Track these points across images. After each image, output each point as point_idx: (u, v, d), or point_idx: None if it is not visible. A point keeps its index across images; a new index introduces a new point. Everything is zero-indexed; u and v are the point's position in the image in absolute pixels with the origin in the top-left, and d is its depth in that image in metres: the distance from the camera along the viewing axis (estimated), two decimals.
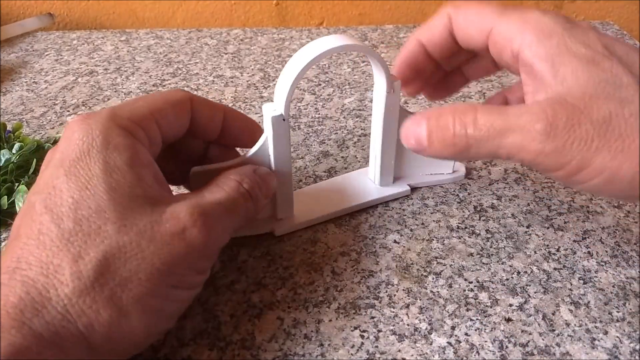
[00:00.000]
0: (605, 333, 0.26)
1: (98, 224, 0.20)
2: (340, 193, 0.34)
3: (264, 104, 0.28)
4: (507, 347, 0.25)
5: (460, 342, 0.25)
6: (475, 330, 0.26)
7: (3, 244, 0.31)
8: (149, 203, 0.21)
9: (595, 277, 0.29)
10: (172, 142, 0.27)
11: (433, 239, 0.31)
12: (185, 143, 0.28)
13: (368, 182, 0.35)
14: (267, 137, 0.28)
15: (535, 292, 0.28)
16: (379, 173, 0.34)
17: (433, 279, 0.29)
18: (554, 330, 0.26)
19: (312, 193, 0.35)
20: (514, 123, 0.21)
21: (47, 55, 0.56)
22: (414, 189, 0.35)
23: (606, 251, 0.30)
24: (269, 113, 0.27)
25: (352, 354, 0.25)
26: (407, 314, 0.27)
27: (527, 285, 0.28)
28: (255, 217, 0.27)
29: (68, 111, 0.45)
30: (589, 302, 0.27)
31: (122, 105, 0.24)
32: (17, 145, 0.36)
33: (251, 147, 0.28)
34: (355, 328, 0.26)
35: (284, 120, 0.27)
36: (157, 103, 0.25)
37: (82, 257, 0.20)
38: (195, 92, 0.47)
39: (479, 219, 0.33)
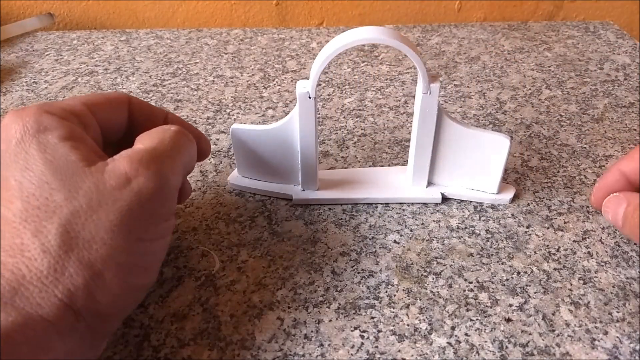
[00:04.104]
0: (605, 333, 0.26)
1: (45, 196, 0.21)
2: (369, 183, 0.35)
3: (299, 80, 0.30)
4: (507, 347, 0.25)
5: (460, 342, 0.25)
6: (475, 330, 0.26)
7: None
8: (86, 166, 0.22)
9: (595, 277, 0.29)
10: (113, 142, 0.27)
11: (433, 239, 0.31)
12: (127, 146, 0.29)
13: (401, 180, 0.35)
14: (295, 111, 0.30)
15: (535, 292, 0.28)
16: (412, 174, 0.34)
17: (433, 279, 0.29)
18: (554, 331, 0.26)
19: (342, 175, 0.36)
20: None
21: (47, 55, 0.56)
22: (446, 198, 0.34)
23: (606, 251, 0.30)
24: (299, 89, 0.29)
25: (352, 354, 0.25)
26: (407, 314, 0.27)
27: (527, 285, 0.28)
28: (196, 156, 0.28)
29: None
30: (589, 302, 0.27)
31: (56, 101, 0.25)
32: None
33: (201, 160, 0.31)
34: (355, 328, 0.26)
35: (309, 97, 0.29)
36: (92, 97, 0.26)
37: (41, 230, 0.20)
38: (195, 92, 0.47)
39: (479, 219, 0.33)
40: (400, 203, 0.34)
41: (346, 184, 0.35)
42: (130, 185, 0.22)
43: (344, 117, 0.44)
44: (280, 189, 0.34)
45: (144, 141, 0.24)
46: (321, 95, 0.47)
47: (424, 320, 0.27)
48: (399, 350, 0.25)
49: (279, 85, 0.49)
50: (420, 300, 0.28)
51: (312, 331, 0.26)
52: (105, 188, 0.21)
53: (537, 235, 0.32)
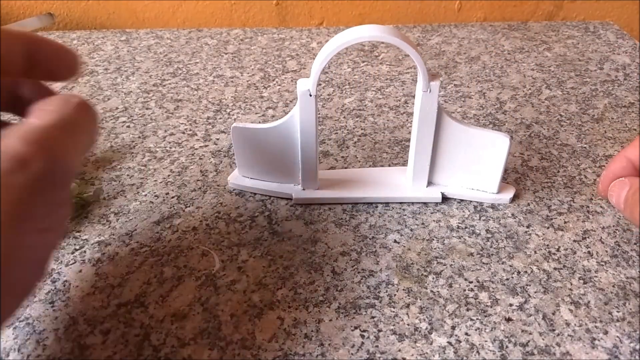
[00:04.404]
0: (606, 333, 0.26)
1: None
2: (369, 183, 0.35)
3: (300, 78, 0.30)
4: (507, 346, 0.25)
5: (460, 341, 0.25)
6: (476, 330, 0.26)
7: None
8: None
9: (595, 277, 0.29)
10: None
11: (433, 239, 0.31)
12: None
13: (401, 180, 0.35)
14: (296, 109, 0.30)
15: (535, 292, 0.28)
16: (412, 173, 0.34)
17: (433, 278, 0.29)
18: (554, 330, 0.26)
19: (342, 175, 0.36)
20: None
21: None
22: (446, 198, 0.34)
23: (606, 251, 0.30)
24: (299, 87, 0.29)
25: (352, 354, 0.25)
26: (407, 314, 0.27)
27: (527, 285, 0.28)
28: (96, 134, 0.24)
29: None
30: (589, 302, 0.27)
31: None
32: None
33: (68, 77, 0.26)
34: (356, 328, 0.26)
35: (310, 95, 0.29)
36: None
37: None
38: (195, 92, 0.47)
39: (479, 219, 0.33)
40: (400, 203, 0.34)
41: (346, 184, 0.35)
42: (26, 170, 0.19)
43: (344, 117, 0.44)
44: (281, 189, 0.34)
45: (41, 115, 0.21)
46: (321, 95, 0.47)
47: (424, 319, 0.27)
48: (399, 350, 0.25)
49: (279, 85, 0.49)
50: (420, 299, 0.28)
51: (312, 331, 0.26)
52: None
53: (537, 235, 0.32)
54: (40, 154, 0.19)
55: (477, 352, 0.25)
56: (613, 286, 0.28)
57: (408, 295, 0.28)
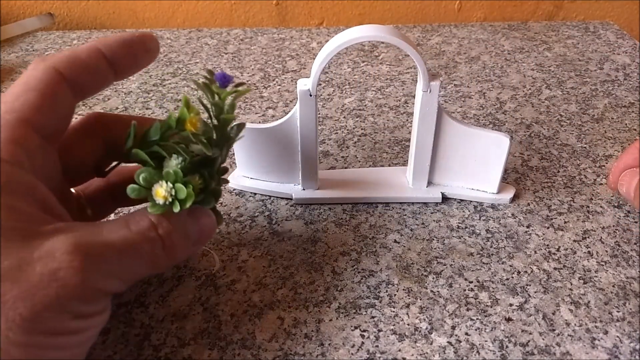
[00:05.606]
0: (606, 333, 0.26)
1: None
2: (369, 183, 0.35)
3: (300, 78, 0.30)
4: (507, 346, 0.25)
5: (460, 341, 0.25)
6: (476, 329, 0.26)
7: None
8: (20, 237, 0.18)
9: (595, 277, 0.29)
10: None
11: (433, 239, 0.31)
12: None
13: (402, 180, 0.35)
14: (296, 109, 0.30)
15: (535, 292, 0.28)
16: (412, 173, 0.34)
17: (433, 278, 0.29)
18: (554, 330, 0.26)
19: (342, 175, 0.36)
20: None
21: (47, 55, 0.56)
22: (447, 198, 0.34)
23: (606, 251, 0.30)
24: (300, 87, 0.29)
25: (352, 354, 0.25)
26: (407, 314, 0.27)
27: (527, 285, 0.28)
28: (173, 263, 0.23)
29: None
30: (589, 301, 0.27)
31: None
32: None
33: (151, 60, 0.25)
34: (356, 328, 0.26)
35: (310, 95, 0.29)
36: (22, 101, 0.21)
37: None
38: (195, 92, 0.47)
39: (479, 219, 0.33)
40: (400, 203, 0.34)
41: (346, 184, 0.35)
42: (56, 275, 0.18)
43: (344, 117, 0.44)
44: (281, 189, 0.34)
45: (114, 229, 0.21)
46: (321, 95, 0.47)
47: (425, 319, 0.27)
48: (400, 350, 0.25)
49: (279, 85, 0.49)
50: (420, 299, 0.28)
51: (312, 330, 0.26)
52: (27, 271, 0.18)
53: (537, 234, 0.32)
54: (75, 266, 0.18)
55: (477, 352, 0.25)
56: (613, 286, 0.28)
57: (408, 295, 0.28)
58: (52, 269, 0.18)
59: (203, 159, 0.23)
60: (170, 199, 0.21)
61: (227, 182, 0.31)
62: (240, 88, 0.24)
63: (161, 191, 0.21)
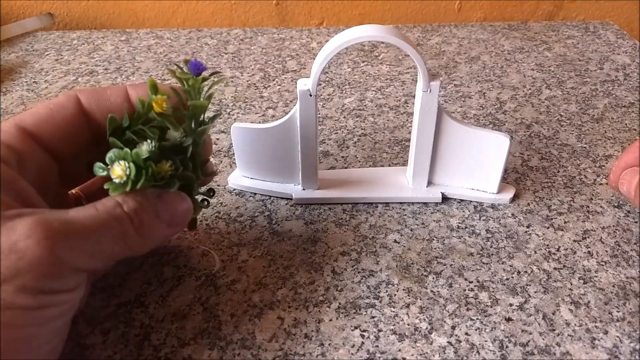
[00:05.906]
0: (606, 333, 0.26)
1: None
2: (369, 183, 0.35)
3: (300, 78, 0.30)
4: (507, 346, 0.25)
5: (460, 341, 0.25)
6: (476, 329, 0.26)
7: None
8: None
9: (595, 277, 0.29)
10: (78, 153, 0.25)
11: (433, 239, 0.31)
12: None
13: (402, 180, 0.35)
14: (296, 109, 0.30)
15: (535, 292, 0.28)
16: (412, 173, 0.34)
17: (433, 278, 0.29)
18: (554, 330, 0.26)
19: (342, 175, 0.36)
20: None
21: (47, 55, 0.56)
22: (447, 198, 0.34)
23: (606, 251, 0.30)
24: (300, 87, 0.29)
25: (352, 354, 0.25)
26: (407, 314, 0.27)
27: (527, 285, 0.28)
28: (149, 244, 0.23)
29: None
30: (589, 301, 0.27)
31: None
32: None
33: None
34: (356, 328, 0.26)
35: (310, 95, 0.29)
36: (32, 116, 0.23)
37: None
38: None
39: (479, 219, 0.33)
40: (400, 203, 0.34)
41: (346, 184, 0.35)
42: (15, 247, 0.18)
43: (344, 117, 0.44)
44: (281, 189, 0.34)
45: (81, 210, 0.21)
46: (321, 95, 0.47)
47: (424, 319, 0.27)
48: (400, 350, 0.25)
49: (279, 85, 0.49)
50: (420, 299, 0.28)
51: (312, 330, 0.26)
52: None
53: (537, 234, 0.32)
54: (36, 238, 0.19)
55: (477, 352, 0.25)
56: (613, 286, 0.28)
57: (408, 295, 0.28)
58: (12, 241, 0.18)
59: (174, 146, 0.24)
60: (125, 178, 0.21)
61: (214, 175, 0.30)
62: (214, 77, 0.25)
63: (118, 170, 0.21)
